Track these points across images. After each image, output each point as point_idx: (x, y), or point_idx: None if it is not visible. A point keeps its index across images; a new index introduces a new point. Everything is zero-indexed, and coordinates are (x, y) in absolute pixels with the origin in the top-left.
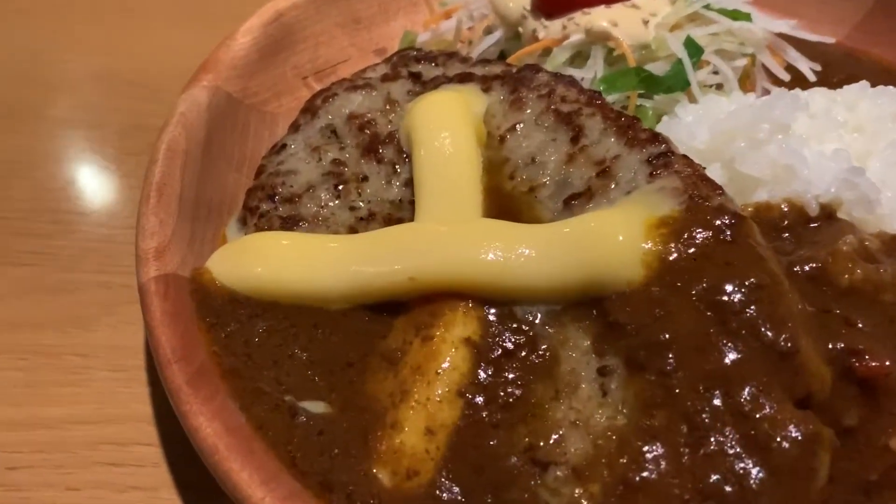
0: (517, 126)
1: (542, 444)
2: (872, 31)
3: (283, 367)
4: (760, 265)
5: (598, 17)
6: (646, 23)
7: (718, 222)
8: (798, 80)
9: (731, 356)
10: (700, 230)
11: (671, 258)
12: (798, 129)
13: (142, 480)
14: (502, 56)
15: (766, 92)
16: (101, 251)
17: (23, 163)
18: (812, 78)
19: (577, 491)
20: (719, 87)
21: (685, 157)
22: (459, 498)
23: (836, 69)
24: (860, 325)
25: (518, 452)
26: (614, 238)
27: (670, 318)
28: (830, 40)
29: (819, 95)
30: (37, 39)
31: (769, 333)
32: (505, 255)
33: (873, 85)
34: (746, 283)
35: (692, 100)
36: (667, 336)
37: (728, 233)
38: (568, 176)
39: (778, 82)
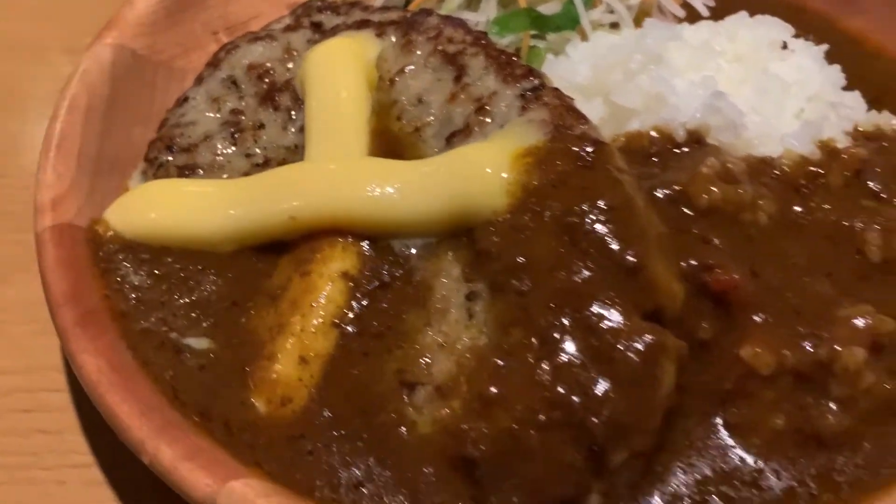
0: (406, 69)
1: (411, 367)
2: None
3: (170, 308)
4: (614, 188)
5: None
6: None
7: (578, 150)
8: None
9: (582, 274)
10: (560, 158)
11: (532, 185)
12: (677, 60)
13: (48, 425)
14: (407, 3)
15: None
16: (16, 213)
17: None
18: (705, 13)
19: (439, 407)
20: (615, 25)
21: (555, 89)
22: (331, 422)
23: (739, 7)
24: (716, 243)
25: (388, 377)
26: (481, 170)
27: (528, 242)
28: None
29: (704, 27)
30: None
31: (617, 251)
32: (379, 190)
33: (755, 10)
34: (598, 205)
35: (585, 39)
36: (523, 259)
37: (588, 159)
38: (450, 114)
39: (677, 20)
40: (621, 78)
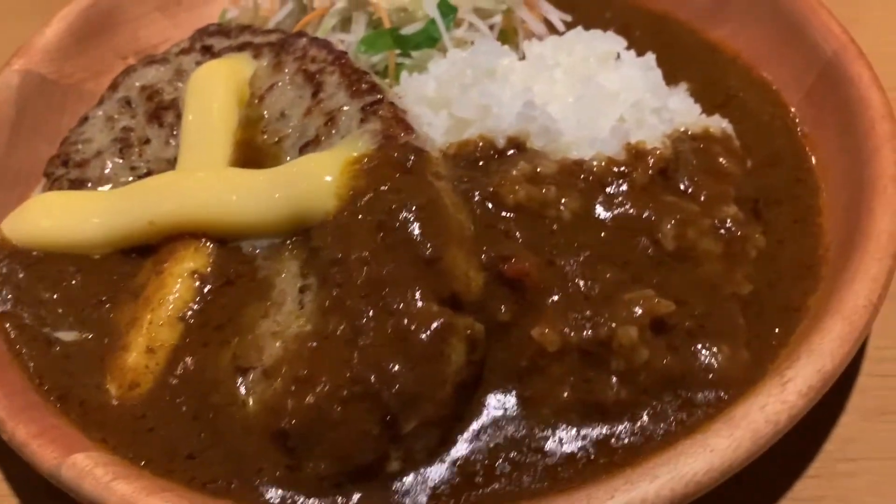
0: (274, 86)
1: (245, 353)
2: None
3: (46, 306)
4: (424, 191)
5: None
6: None
7: (400, 157)
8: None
9: (388, 266)
10: (384, 164)
11: (357, 190)
12: (511, 75)
13: None
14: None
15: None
16: None
17: None
18: (561, 28)
19: (265, 388)
20: None
21: (391, 104)
22: (171, 403)
23: (616, 18)
24: (518, 237)
25: (224, 364)
26: (316, 176)
27: (348, 238)
28: None
29: (549, 42)
30: None
31: (419, 245)
32: (226, 197)
33: (641, 33)
34: (408, 206)
35: (446, 54)
36: (342, 253)
37: (407, 166)
38: (306, 127)
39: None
40: (458, 92)
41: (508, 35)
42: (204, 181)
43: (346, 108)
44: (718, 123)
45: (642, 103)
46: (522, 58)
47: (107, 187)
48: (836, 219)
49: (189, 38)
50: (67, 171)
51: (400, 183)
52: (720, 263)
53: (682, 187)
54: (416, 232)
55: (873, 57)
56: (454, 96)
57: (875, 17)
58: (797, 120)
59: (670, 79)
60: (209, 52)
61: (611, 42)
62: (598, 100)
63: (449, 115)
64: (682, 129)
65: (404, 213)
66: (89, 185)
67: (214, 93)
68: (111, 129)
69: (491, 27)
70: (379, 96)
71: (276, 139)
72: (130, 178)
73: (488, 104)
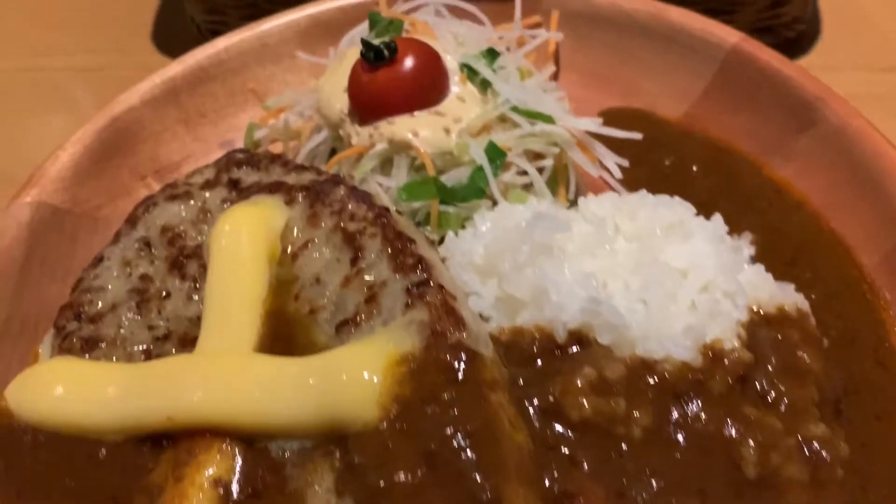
0: (309, 244)
1: None
2: (710, 108)
3: (53, 499)
4: (479, 410)
5: (401, 127)
6: (447, 131)
7: (451, 362)
8: (635, 157)
9: None
10: (433, 370)
11: (402, 400)
12: (569, 245)
13: None
14: (334, 152)
15: (579, 190)
16: None
17: None
18: (618, 174)
19: None
20: (528, 186)
21: (440, 287)
22: None
23: (670, 149)
24: (584, 464)
25: None
26: (356, 377)
27: (390, 463)
28: (637, 136)
29: (608, 200)
30: None
31: (474, 483)
32: (254, 395)
33: (700, 164)
34: (461, 431)
35: (495, 202)
36: (384, 482)
37: (459, 374)
38: (344, 299)
39: (591, 181)
40: (509, 266)
41: (558, 179)
42: (229, 371)
43: (389, 285)
44: (793, 298)
45: (714, 286)
46: (574, 203)
47: (122, 351)
48: None
49: (215, 164)
50: (80, 327)
51: (452, 398)
52: (806, 494)
53: (760, 388)
54: (471, 465)
55: None
56: (506, 271)
57: None
58: (875, 286)
59: (733, 226)
60: (237, 188)
61: (678, 210)
62: (666, 283)
63: (499, 287)
64: (756, 309)
65: (457, 441)
66: (103, 345)
67: (242, 253)
68: (128, 277)
69: (540, 170)
70: (426, 276)
71: (310, 309)
72: (148, 339)
73: (546, 288)
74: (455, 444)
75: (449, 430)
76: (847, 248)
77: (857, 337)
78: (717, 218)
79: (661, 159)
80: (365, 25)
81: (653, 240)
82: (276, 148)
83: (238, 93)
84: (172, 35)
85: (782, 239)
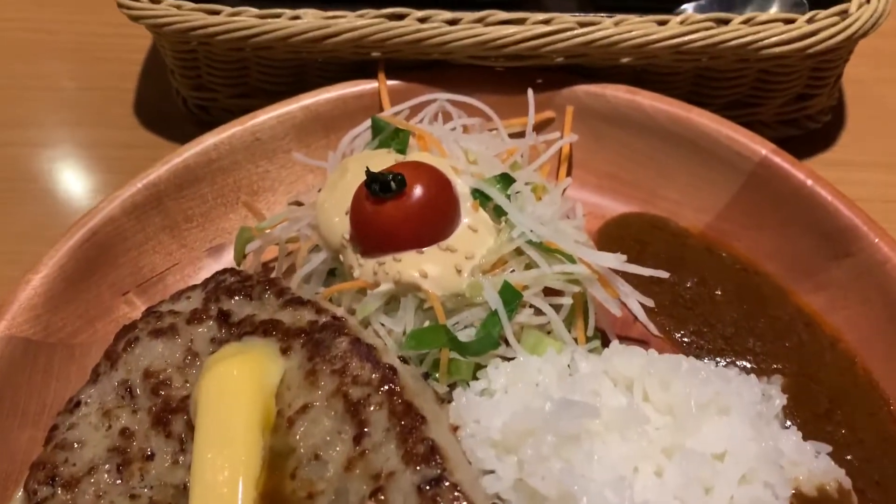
0: (307, 408)
1: None
2: (736, 221)
3: None
4: None
5: (408, 266)
6: (459, 270)
7: None
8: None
9: None
10: None
11: None
12: (596, 426)
13: None
14: (333, 272)
15: (601, 333)
16: None
17: None
18: (642, 316)
19: None
20: (545, 326)
21: (455, 486)
22: None
23: (692, 269)
24: None
25: None
26: None
27: None
28: (665, 275)
29: (637, 359)
30: None
31: None
32: None
33: (724, 284)
34: None
35: (508, 356)
36: None
37: None
38: (346, 485)
39: (613, 318)
40: (533, 454)
41: (576, 316)
42: None
43: (397, 477)
44: (833, 474)
45: (754, 475)
46: (593, 337)
47: None
48: None
49: (202, 287)
50: (53, 492)
51: None
52: None
53: None
54: None
55: None
56: (528, 457)
57: None
58: None
59: (761, 365)
60: (226, 323)
61: (715, 383)
62: (704, 474)
63: (517, 468)
64: (795, 489)
65: None
66: None
67: (234, 419)
68: (107, 430)
69: (557, 308)
70: (439, 471)
71: (308, 493)
72: None
73: (573, 491)
74: None
75: None
76: (885, 399)
77: None
78: (754, 384)
79: (683, 280)
80: (366, 125)
81: (688, 418)
82: (272, 252)
83: (228, 192)
84: (164, 108)
85: (815, 384)
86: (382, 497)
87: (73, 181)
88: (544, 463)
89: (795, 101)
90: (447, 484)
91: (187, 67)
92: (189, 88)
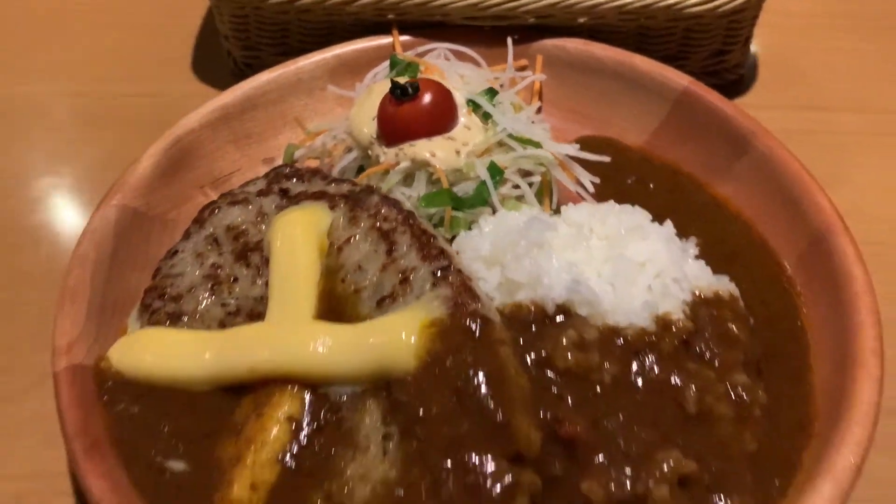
0: (351, 239)
1: (336, 492)
2: (666, 138)
3: (156, 436)
4: (492, 359)
5: (421, 149)
6: (458, 152)
7: (470, 324)
8: (604, 177)
9: (463, 428)
10: (456, 330)
11: (433, 353)
12: (556, 241)
13: None
14: (362, 169)
15: (560, 201)
16: (39, 336)
17: None
18: (591, 189)
19: None
20: (521, 198)
21: (459, 271)
22: None
23: (632, 171)
24: (568, 399)
25: (319, 501)
26: (397, 338)
27: (426, 399)
28: (606, 159)
29: (584, 209)
30: None
31: (490, 411)
32: (318, 351)
33: (657, 182)
34: (479, 374)
35: (494, 210)
36: (422, 412)
37: (476, 334)
38: (382, 281)
39: (570, 194)
40: (511, 258)
41: (544, 192)
42: (297, 335)
43: (418, 269)
44: (726, 286)
45: (665, 273)
46: (556, 211)
47: (200, 323)
48: (824, 378)
49: (265, 177)
50: (164, 304)
51: (471, 351)
52: (732, 425)
53: (698, 350)
54: (488, 398)
55: (854, 214)
56: (508, 261)
57: (856, 172)
58: (792, 280)
59: (682, 231)
60: (286, 196)
61: (637, 216)
62: (629, 271)
63: (501, 274)
64: (697, 293)
65: (477, 380)
66: (184, 318)
67: (298, 247)
68: (201, 265)
69: (530, 184)
70: (447, 262)
71: (355, 289)
72: (221, 314)
73: (539, 274)
74: (475, 382)
75: (470, 373)
76: (771, 251)
77: (776, 318)
78: (668, 224)
79: (624, 179)
80: (385, 65)
81: (618, 239)
82: (312, 164)
83: (277, 119)
84: (209, 67)
85: (721, 243)
86: (408, 284)
87: (148, 117)
88: (518, 261)
89: (715, 55)
90: (453, 269)
91: (239, 30)
92: (240, 49)
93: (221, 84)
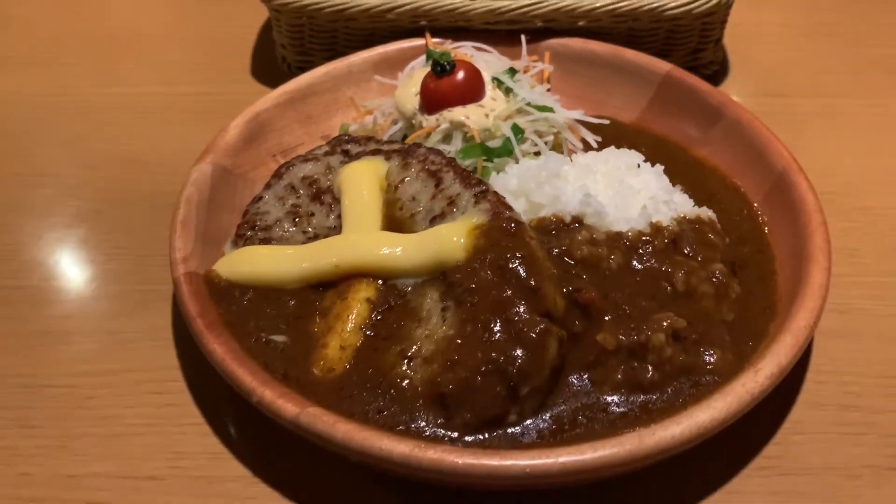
0: (405, 179)
1: (408, 348)
2: (653, 114)
3: (260, 320)
4: (525, 246)
5: (457, 114)
6: (487, 116)
7: (507, 225)
8: (604, 146)
9: (505, 292)
10: (496, 229)
11: (479, 246)
12: (569, 175)
13: (174, 401)
14: (404, 138)
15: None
16: (138, 272)
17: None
18: (594, 146)
19: (426, 369)
20: (538, 153)
21: (496, 192)
22: (360, 380)
23: (627, 139)
24: (584, 278)
25: (393, 356)
26: (450, 238)
27: (476, 276)
28: (606, 122)
29: (590, 155)
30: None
31: (525, 279)
32: (390, 251)
33: (647, 148)
34: (517, 255)
35: (517, 161)
36: (473, 285)
37: (511, 230)
38: (433, 206)
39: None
40: (534, 186)
41: (556, 149)
42: (373, 240)
43: (462, 195)
44: (706, 212)
45: (657, 197)
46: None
47: (287, 245)
48: (786, 276)
49: (328, 143)
50: (255, 233)
51: (509, 241)
52: (713, 301)
53: (685, 251)
54: (522, 272)
55: (809, 172)
56: (531, 189)
57: (811, 142)
58: (759, 213)
59: (670, 181)
60: (348, 155)
61: (633, 157)
62: (628, 194)
63: (527, 201)
64: (683, 215)
65: (514, 260)
66: (273, 242)
67: (363, 183)
68: (283, 206)
69: (546, 143)
70: (485, 187)
71: (410, 214)
72: (302, 239)
73: (557, 194)
74: (513, 262)
75: (508, 255)
76: (742, 193)
77: (746, 237)
78: (658, 166)
79: (620, 145)
80: (421, 58)
81: (618, 173)
82: None
83: (331, 104)
84: (266, 71)
85: (701, 189)
86: (454, 205)
87: (212, 110)
88: (540, 187)
89: (692, 53)
90: (490, 191)
91: (295, 37)
92: (294, 54)
93: (276, 85)
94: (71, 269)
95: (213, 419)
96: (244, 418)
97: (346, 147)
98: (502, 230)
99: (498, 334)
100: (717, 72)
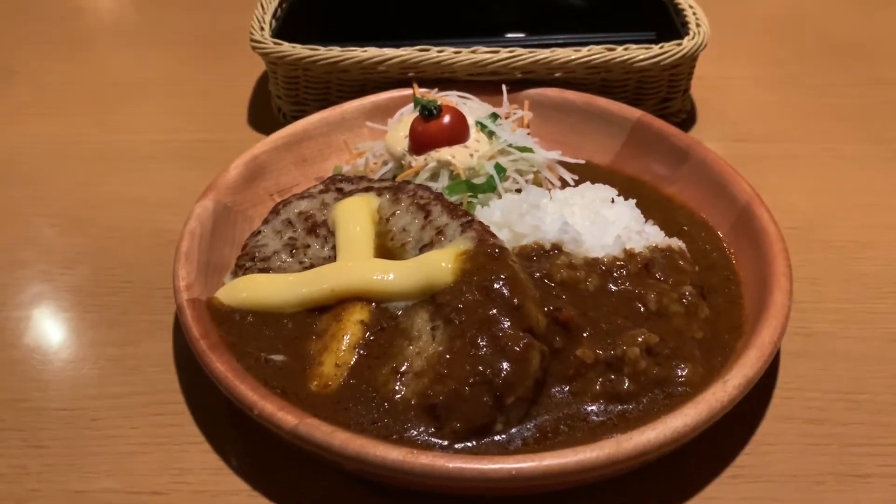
0: (395, 212)
1: (398, 365)
2: (626, 157)
3: (259, 341)
4: (509, 269)
5: (444, 154)
6: (472, 156)
7: (491, 250)
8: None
9: (492, 310)
10: (481, 254)
11: (466, 270)
12: (548, 206)
13: (175, 421)
14: (394, 177)
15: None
16: (144, 303)
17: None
18: (571, 184)
19: (417, 382)
20: (519, 190)
21: (481, 222)
22: (354, 394)
23: (602, 178)
24: (564, 298)
25: (386, 372)
26: (439, 264)
27: (463, 297)
28: (582, 162)
29: (568, 190)
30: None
31: (508, 297)
32: (382, 276)
33: (621, 188)
34: (501, 277)
35: (500, 197)
36: (461, 305)
37: (495, 255)
38: (422, 235)
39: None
40: (516, 217)
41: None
42: (366, 266)
43: (449, 224)
44: (676, 242)
45: (630, 227)
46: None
47: (285, 274)
48: (751, 299)
49: (323, 182)
50: (255, 264)
51: (493, 265)
52: (683, 319)
53: (657, 275)
54: (506, 291)
55: (772, 209)
56: (513, 220)
57: (773, 182)
58: (725, 243)
59: (643, 217)
60: (342, 192)
61: (607, 191)
62: (603, 225)
63: (510, 231)
64: (654, 244)
65: (498, 281)
66: (272, 272)
67: (357, 216)
68: (280, 239)
69: (526, 181)
70: (471, 218)
71: (401, 244)
72: (299, 269)
73: (537, 224)
74: (497, 283)
75: (493, 277)
76: (709, 225)
77: (714, 266)
78: (631, 200)
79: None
80: (409, 106)
81: (594, 205)
82: None
83: (325, 147)
84: (262, 120)
85: (672, 223)
86: (442, 234)
87: (212, 156)
88: (522, 218)
89: (662, 102)
90: (476, 221)
91: (290, 88)
92: (289, 104)
93: (271, 133)
94: (79, 301)
95: (213, 437)
96: (243, 435)
97: (340, 185)
98: (487, 255)
99: (484, 349)
100: (685, 119)
